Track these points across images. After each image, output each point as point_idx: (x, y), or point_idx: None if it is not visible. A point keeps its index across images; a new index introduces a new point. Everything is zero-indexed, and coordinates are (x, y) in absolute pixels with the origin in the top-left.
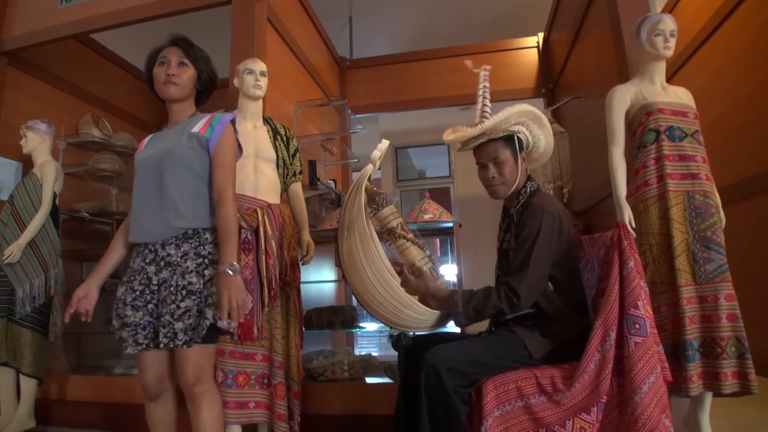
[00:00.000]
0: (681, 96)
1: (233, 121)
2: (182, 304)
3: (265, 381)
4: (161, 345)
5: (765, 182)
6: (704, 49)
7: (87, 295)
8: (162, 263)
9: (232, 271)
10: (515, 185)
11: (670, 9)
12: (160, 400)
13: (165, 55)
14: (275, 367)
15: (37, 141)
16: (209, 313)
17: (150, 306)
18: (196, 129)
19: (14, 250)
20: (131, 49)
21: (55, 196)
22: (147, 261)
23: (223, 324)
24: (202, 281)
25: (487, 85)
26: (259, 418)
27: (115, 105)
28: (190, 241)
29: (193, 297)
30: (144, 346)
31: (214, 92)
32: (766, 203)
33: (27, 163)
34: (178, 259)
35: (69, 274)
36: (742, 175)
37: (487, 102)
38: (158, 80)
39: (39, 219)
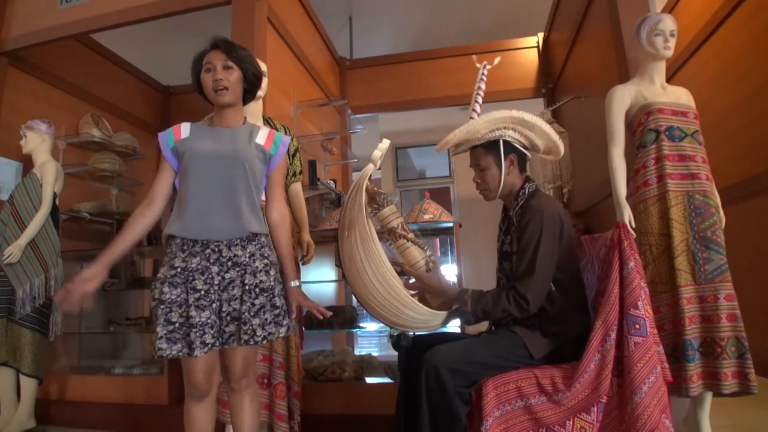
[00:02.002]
0: (681, 96)
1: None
2: (257, 301)
3: (265, 381)
4: (242, 342)
5: (765, 182)
6: (704, 49)
7: (94, 277)
8: (229, 263)
9: (294, 284)
10: (509, 188)
11: (670, 9)
12: (204, 401)
13: (209, 60)
14: (275, 367)
15: (37, 141)
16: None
17: (215, 305)
18: (260, 141)
19: (14, 250)
20: (131, 49)
21: (55, 196)
22: (211, 261)
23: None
24: (271, 280)
25: (482, 85)
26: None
27: (115, 105)
28: (253, 243)
29: (265, 294)
30: (211, 345)
31: (259, 88)
32: (766, 203)
33: (27, 163)
34: (247, 260)
35: (69, 274)
36: (742, 175)
37: (479, 101)
38: (207, 87)
39: (39, 219)
